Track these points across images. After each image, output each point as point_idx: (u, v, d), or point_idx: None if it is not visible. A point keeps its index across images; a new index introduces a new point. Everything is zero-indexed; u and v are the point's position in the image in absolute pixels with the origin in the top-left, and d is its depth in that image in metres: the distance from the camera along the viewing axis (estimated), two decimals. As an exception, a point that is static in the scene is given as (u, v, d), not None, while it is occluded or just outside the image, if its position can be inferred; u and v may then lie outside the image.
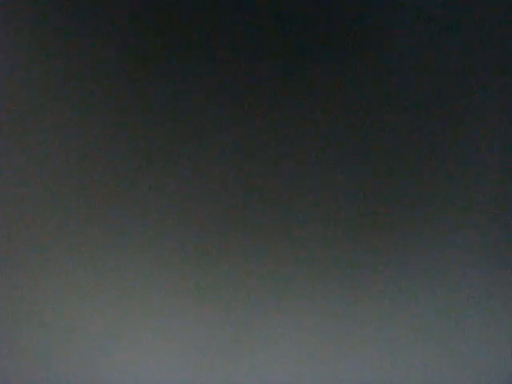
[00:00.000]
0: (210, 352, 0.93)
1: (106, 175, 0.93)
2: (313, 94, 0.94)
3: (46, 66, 0.93)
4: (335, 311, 0.93)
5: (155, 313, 0.92)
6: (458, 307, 0.94)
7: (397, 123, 0.94)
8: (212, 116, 0.93)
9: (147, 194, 0.93)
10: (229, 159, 0.93)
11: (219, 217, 0.93)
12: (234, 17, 0.93)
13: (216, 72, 0.93)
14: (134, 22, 0.93)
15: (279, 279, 0.93)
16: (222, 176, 0.93)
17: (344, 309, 0.93)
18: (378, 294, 0.93)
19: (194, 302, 0.93)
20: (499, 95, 0.95)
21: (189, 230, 0.93)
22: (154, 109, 0.93)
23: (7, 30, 0.93)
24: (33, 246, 0.92)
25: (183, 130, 0.93)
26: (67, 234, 0.92)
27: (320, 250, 0.93)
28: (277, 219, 0.93)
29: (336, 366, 0.93)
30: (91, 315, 0.92)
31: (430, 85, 0.94)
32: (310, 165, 0.93)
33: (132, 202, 0.93)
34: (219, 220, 0.93)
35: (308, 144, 0.93)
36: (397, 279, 0.93)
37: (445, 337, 0.94)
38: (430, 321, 0.94)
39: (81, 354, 0.92)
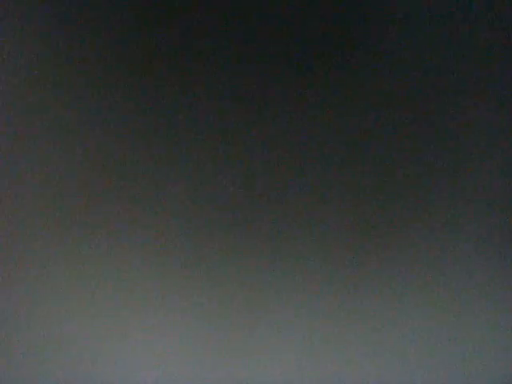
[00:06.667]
0: (210, 352, 0.93)
1: (107, 176, 0.93)
2: (313, 96, 0.94)
3: (46, 67, 0.93)
4: (336, 311, 0.93)
5: (155, 313, 0.92)
6: (459, 307, 0.94)
7: (397, 124, 0.94)
8: (212, 117, 0.93)
9: (148, 194, 0.93)
10: (229, 160, 0.93)
11: (220, 216, 0.93)
12: (237, 18, 0.94)
13: (217, 73, 0.94)
14: (139, 23, 0.93)
15: (279, 279, 0.93)
16: (221, 177, 0.93)
17: (345, 308, 0.93)
18: (378, 294, 0.93)
19: (194, 301, 0.93)
20: (500, 95, 0.95)
21: (189, 231, 0.93)
22: (155, 110, 0.93)
23: (7, 30, 0.93)
24: (33, 247, 0.92)
25: (183, 131, 0.93)
26: (67, 234, 0.92)
27: (321, 249, 0.93)
28: (277, 219, 0.93)
29: (336, 365, 0.93)
30: (91, 316, 0.92)
31: (432, 84, 0.94)
32: (310, 165, 0.93)
33: (132, 202, 0.93)
34: (220, 220, 0.93)
35: (308, 145, 0.93)
36: (397, 279, 0.93)
37: (445, 337, 0.94)
38: (430, 321, 0.93)
39: (81, 354, 0.92)
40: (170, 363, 0.93)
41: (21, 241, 0.92)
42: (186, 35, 0.93)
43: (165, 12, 0.93)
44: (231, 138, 0.93)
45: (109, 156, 0.93)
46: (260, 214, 0.93)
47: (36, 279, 0.92)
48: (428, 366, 0.94)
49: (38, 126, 0.93)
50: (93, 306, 0.92)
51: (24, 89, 0.93)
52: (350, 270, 0.93)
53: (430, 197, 0.94)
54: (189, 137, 0.93)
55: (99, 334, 0.92)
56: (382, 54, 0.94)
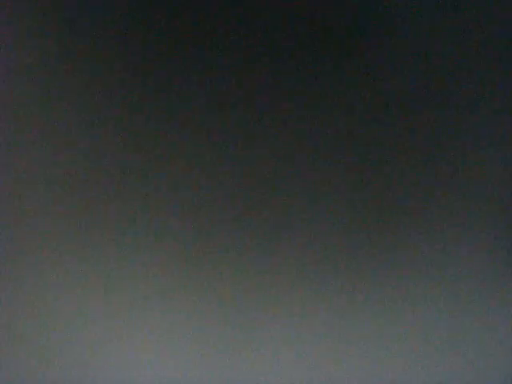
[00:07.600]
0: (210, 352, 0.93)
1: (105, 175, 0.93)
2: (312, 95, 0.94)
3: (47, 67, 0.93)
4: (336, 310, 0.93)
5: (154, 313, 0.93)
6: (458, 307, 0.94)
7: (397, 124, 0.94)
8: (212, 117, 0.93)
9: (147, 194, 0.93)
10: (228, 161, 0.93)
11: (220, 215, 0.93)
12: (234, 16, 0.94)
13: (216, 72, 0.93)
14: (137, 23, 0.93)
15: (279, 279, 0.93)
16: (222, 176, 0.93)
17: (344, 308, 0.93)
18: (378, 294, 0.93)
19: (193, 301, 0.93)
20: (500, 96, 0.95)
21: (189, 230, 0.93)
22: (155, 110, 0.93)
23: (7, 30, 0.93)
24: (33, 247, 0.92)
25: (182, 131, 0.93)
26: (67, 233, 0.92)
27: (321, 249, 0.93)
28: (277, 218, 0.93)
29: (336, 365, 0.93)
30: (90, 315, 0.92)
31: (432, 85, 0.94)
32: (309, 166, 0.93)
33: (134, 201, 0.93)
34: (220, 219, 0.93)
35: (308, 145, 0.94)
36: (397, 279, 0.93)
37: (445, 337, 0.94)
38: (429, 322, 0.94)
39: (80, 354, 0.92)
40: (170, 364, 0.93)
41: (21, 241, 0.92)
42: (186, 34, 0.93)
43: (165, 11, 0.93)
44: (232, 138, 0.93)
45: (109, 155, 0.93)
46: (260, 214, 0.93)
47: (37, 280, 0.92)
48: (428, 366, 0.94)
49: (37, 125, 0.93)
50: (92, 306, 0.92)
51: (24, 89, 0.93)
52: (350, 269, 0.93)
53: (430, 195, 0.94)
54: (189, 136, 0.93)
55: (100, 335, 0.92)
56: (384, 54, 0.94)
